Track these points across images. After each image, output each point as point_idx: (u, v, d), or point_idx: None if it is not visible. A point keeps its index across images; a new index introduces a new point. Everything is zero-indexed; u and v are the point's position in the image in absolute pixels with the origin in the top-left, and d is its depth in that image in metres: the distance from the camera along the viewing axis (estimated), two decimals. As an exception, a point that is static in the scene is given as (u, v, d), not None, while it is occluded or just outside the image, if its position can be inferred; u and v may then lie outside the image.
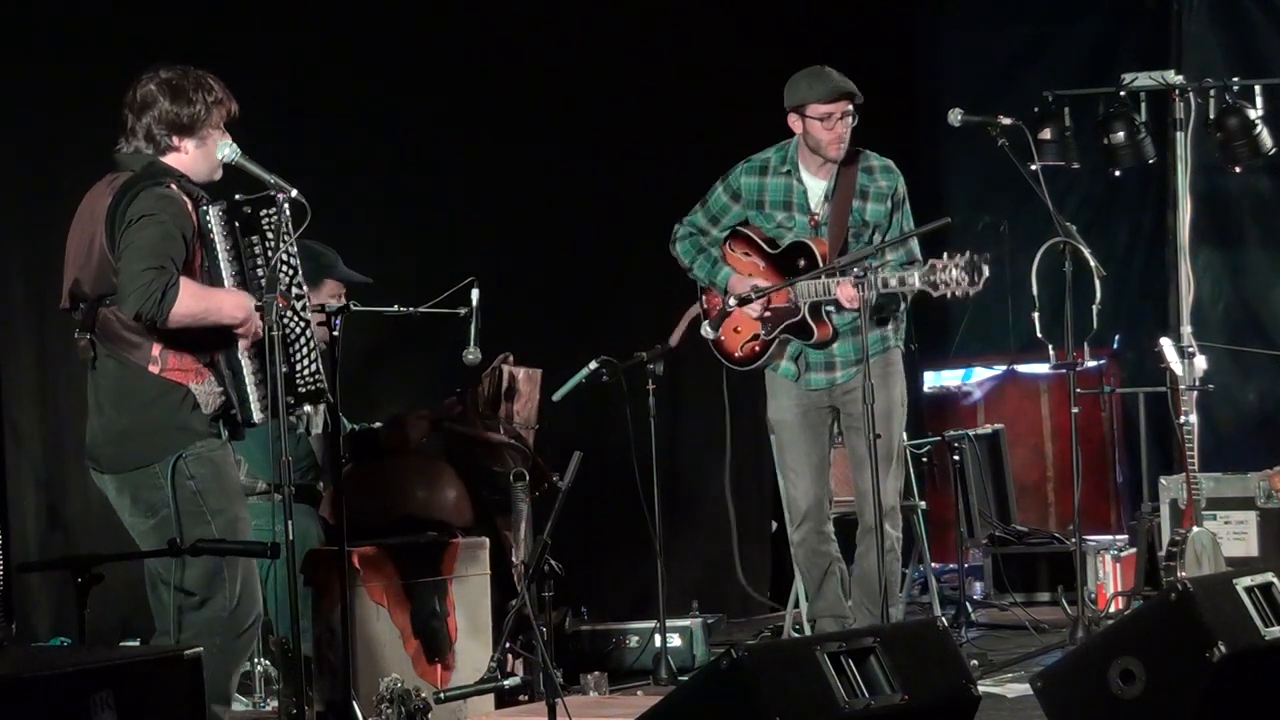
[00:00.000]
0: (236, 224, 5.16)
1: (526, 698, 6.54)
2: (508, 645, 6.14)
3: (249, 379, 5.17)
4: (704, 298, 6.91)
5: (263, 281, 5.12)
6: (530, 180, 8.36)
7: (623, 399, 7.11)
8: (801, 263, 6.64)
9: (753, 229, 6.80)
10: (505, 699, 6.45)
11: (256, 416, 5.18)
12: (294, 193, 5.10)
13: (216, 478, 5.16)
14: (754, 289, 6.66)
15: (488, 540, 6.55)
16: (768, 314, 6.71)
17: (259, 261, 5.17)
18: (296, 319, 5.23)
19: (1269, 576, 5.20)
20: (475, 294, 6.50)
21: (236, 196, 5.18)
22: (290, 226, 5.11)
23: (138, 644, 5.87)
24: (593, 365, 7.10)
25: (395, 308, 6.53)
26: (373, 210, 7.75)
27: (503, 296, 7.04)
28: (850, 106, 6.62)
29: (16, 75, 6.67)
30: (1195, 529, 7.46)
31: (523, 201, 8.34)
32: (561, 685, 5.92)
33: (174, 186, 5.10)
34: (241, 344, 5.17)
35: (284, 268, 5.17)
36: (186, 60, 5.32)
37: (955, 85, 10.27)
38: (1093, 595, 8.27)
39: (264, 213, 5.18)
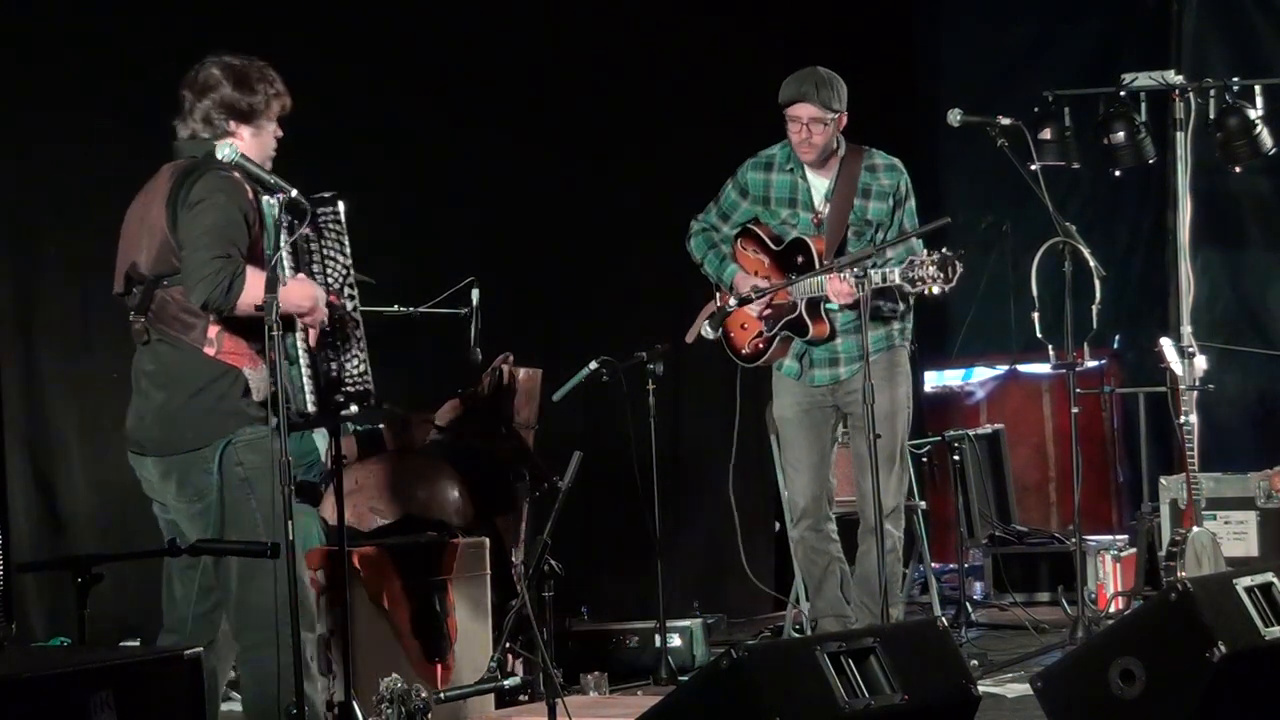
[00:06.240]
0: (294, 220, 5.11)
1: (526, 698, 6.55)
2: (508, 645, 6.15)
3: (304, 370, 5.12)
4: (718, 296, 6.92)
5: (317, 279, 5.12)
6: (530, 180, 8.35)
7: (623, 399, 7.11)
8: (800, 259, 6.66)
9: (762, 227, 6.81)
10: (505, 699, 6.46)
11: (310, 407, 5.12)
12: (294, 193, 5.08)
13: (267, 465, 5.05)
14: (754, 289, 6.67)
15: (488, 540, 6.55)
16: (768, 312, 6.73)
17: (315, 259, 5.17)
18: (350, 318, 5.22)
19: (1269, 576, 5.20)
20: (475, 294, 6.50)
21: (294, 193, 5.12)
22: (345, 227, 5.14)
23: (138, 644, 5.87)
24: (593, 365, 7.11)
25: (395, 308, 6.53)
26: (373, 210, 7.69)
27: (503, 296, 7.04)
28: (816, 114, 6.60)
29: (16, 74, 6.66)
30: (1195, 529, 7.46)
31: (523, 201, 8.33)
32: (561, 685, 5.93)
33: (236, 174, 5.09)
34: (301, 334, 5.12)
35: (338, 267, 5.19)
36: (186, 61, 5.31)
37: (955, 85, 10.27)
38: (1093, 595, 8.27)
39: (321, 211, 5.19)
